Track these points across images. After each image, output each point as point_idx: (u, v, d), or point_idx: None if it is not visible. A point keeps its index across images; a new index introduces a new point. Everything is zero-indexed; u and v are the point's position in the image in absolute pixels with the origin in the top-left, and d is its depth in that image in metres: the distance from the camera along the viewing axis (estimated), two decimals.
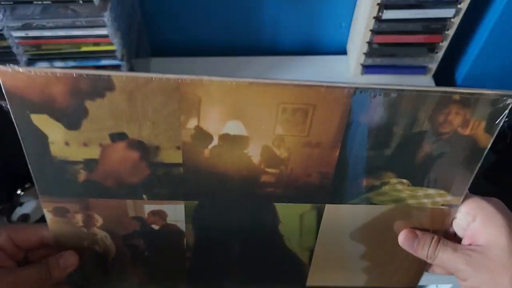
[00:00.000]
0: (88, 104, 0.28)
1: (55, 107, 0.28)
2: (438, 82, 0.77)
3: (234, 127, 0.29)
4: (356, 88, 0.28)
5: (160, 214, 0.35)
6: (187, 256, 0.38)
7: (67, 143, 0.30)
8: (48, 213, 0.35)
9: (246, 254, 0.39)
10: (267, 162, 0.32)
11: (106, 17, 0.55)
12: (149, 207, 0.34)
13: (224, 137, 0.30)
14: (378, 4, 0.64)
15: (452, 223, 0.36)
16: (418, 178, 0.33)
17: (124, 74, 0.27)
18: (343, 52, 0.82)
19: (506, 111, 0.30)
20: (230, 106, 0.28)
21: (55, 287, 0.38)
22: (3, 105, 0.61)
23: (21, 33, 0.57)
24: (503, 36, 0.67)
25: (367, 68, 0.75)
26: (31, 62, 0.61)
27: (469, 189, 0.62)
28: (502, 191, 1.15)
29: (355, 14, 0.75)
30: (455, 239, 0.36)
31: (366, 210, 0.35)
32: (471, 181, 0.33)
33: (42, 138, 0.30)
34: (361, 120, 0.30)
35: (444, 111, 0.30)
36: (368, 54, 0.72)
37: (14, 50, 0.59)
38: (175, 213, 0.35)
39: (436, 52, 0.72)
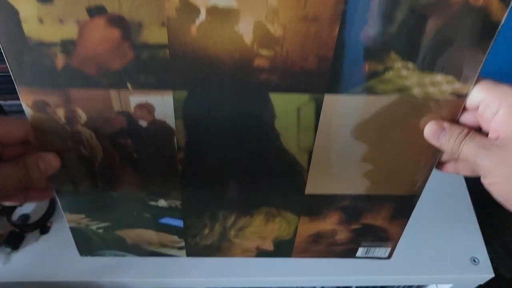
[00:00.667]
0: None
1: None
2: None
3: None
4: None
5: (148, 108, 0.32)
6: (179, 158, 0.36)
7: (41, 20, 0.27)
8: (28, 109, 0.32)
9: (241, 157, 0.36)
10: (260, 42, 0.28)
11: None
12: (135, 99, 0.31)
13: (212, 11, 0.27)
14: None
15: (478, 116, 0.33)
16: (424, 60, 0.30)
17: None
18: None
19: None
20: None
21: (39, 191, 0.37)
22: (4, 105, 0.61)
23: None
24: (503, 36, 0.67)
25: None
26: None
27: (468, 189, 0.62)
28: None
29: None
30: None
31: (368, 101, 0.32)
32: (482, 64, 0.30)
33: (13, 14, 0.27)
34: None
35: None
36: None
37: None
38: (163, 106, 0.32)
39: None
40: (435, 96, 0.32)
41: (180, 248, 0.45)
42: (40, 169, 0.34)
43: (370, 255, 0.47)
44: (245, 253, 0.46)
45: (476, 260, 0.57)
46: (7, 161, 0.34)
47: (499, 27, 0.29)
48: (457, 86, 0.31)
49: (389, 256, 0.47)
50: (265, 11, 0.27)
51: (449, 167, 0.37)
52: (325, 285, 0.61)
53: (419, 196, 0.40)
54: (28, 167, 0.34)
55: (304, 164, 0.37)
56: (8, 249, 0.55)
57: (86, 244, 0.45)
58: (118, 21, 0.27)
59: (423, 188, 0.39)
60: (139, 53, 0.29)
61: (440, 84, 0.31)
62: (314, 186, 0.38)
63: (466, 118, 0.33)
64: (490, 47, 0.30)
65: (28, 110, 0.32)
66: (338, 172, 0.38)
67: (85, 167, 0.36)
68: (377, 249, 0.46)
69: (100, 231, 0.43)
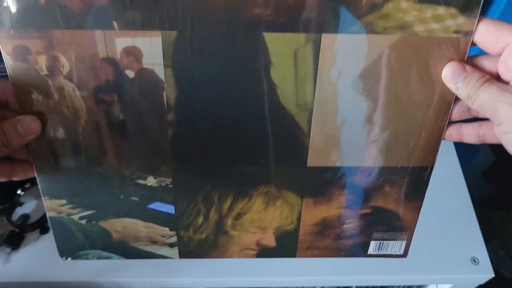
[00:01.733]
0: None
1: None
2: None
3: None
4: None
5: (135, 53, 0.30)
6: (169, 120, 0.33)
7: None
8: (7, 56, 0.30)
9: (235, 121, 0.33)
10: None
11: None
12: (121, 42, 0.29)
13: None
14: None
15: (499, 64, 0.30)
16: None
17: None
18: None
19: None
20: None
21: (22, 166, 0.35)
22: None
23: None
24: None
25: None
26: None
27: (468, 189, 0.62)
28: (503, 192, 1.15)
29: None
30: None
31: (369, 43, 0.30)
32: None
33: None
34: None
35: None
36: None
37: None
38: (152, 50, 0.30)
39: None
40: (439, 34, 0.30)
41: (172, 246, 0.41)
42: (19, 134, 0.32)
43: (383, 251, 0.42)
44: (244, 251, 0.42)
45: (476, 260, 0.57)
46: None
47: None
48: (461, 21, 0.29)
49: (405, 254, 0.42)
50: None
51: (453, 133, 0.35)
52: (325, 285, 0.61)
53: (432, 170, 0.36)
54: (5, 132, 0.31)
55: (304, 127, 0.34)
56: (8, 249, 0.55)
57: (67, 242, 0.40)
58: None
59: (435, 158, 0.36)
60: None
61: (443, 19, 0.29)
62: (316, 155, 0.35)
63: (486, 65, 0.31)
64: None
65: (7, 59, 0.30)
66: (341, 138, 0.34)
67: (68, 134, 0.33)
68: (391, 243, 0.42)
69: (83, 221, 0.38)
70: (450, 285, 0.60)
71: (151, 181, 0.36)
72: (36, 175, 0.36)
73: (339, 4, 0.28)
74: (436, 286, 0.64)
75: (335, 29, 0.29)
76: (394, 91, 0.32)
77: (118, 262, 0.55)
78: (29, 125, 0.32)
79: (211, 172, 0.36)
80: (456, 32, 0.30)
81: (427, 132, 0.34)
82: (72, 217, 0.38)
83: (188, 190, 0.38)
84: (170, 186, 0.37)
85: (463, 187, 0.64)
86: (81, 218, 0.38)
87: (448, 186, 0.64)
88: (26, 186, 0.59)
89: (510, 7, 0.63)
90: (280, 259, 0.53)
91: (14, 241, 0.54)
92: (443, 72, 0.31)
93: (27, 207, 0.59)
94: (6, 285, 0.52)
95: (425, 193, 0.38)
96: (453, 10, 0.29)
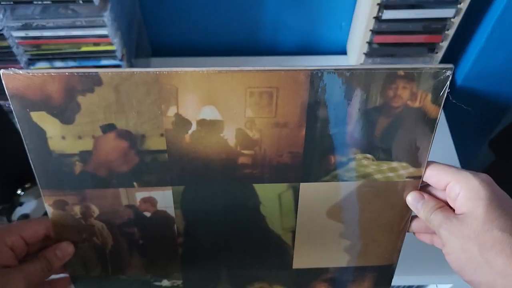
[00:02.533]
0: (80, 99, 0.32)
1: (52, 104, 0.32)
2: None
3: (209, 112, 0.33)
4: (312, 71, 0.32)
5: (151, 201, 0.38)
6: (179, 242, 0.41)
7: (63, 137, 0.33)
8: (49, 207, 0.37)
9: (233, 239, 0.42)
10: (242, 144, 0.35)
11: (106, 17, 0.55)
12: (140, 195, 0.37)
13: (201, 122, 0.33)
14: (378, 4, 0.64)
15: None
16: (380, 152, 0.37)
17: (109, 70, 0.31)
18: (343, 52, 0.82)
19: (448, 83, 0.33)
20: (204, 93, 0.32)
21: (58, 280, 0.41)
22: (4, 104, 0.61)
23: (21, 33, 0.57)
24: (503, 36, 0.67)
25: None
26: (31, 62, 0.61)
27: None
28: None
29: (355, 14, 0.75)
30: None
31: (337, 187, 0.38)
32: (429, 152, 0.37)
33: (41, 134, 0.33)
34: (320, 99, 0.33)
35: (392, 86, 0.33)
36: (368, 54, 0.73)
37: (14, 50, 0.59)
38: (164, 198, 0.38)
39: (436, 52, 0.72)
40: (394, 179, 0.38)
41: None
42: (58, 257, 0.39)
43: None
44: None
45: None
46: (29, 258, 0.38)
47: (437, 122, 0.35)
48: (411, 170, 0.37)
49: None
50: (244, 120, 0.34)
51: (425, 237, 0.42)
52: None
53: (396, 265, 0.45)
54: (48, 259, 0.38)
55: (289, 242, 0.42)
56: None
57: None
58: (125, 134, 0.34)
59: (398, 257, 0.44)
60: (143, 158, 0.35)
61: (397, 170, 0.37)
62: (300, 261, 0.43)
63: (440, 195, 0.39)
64: (433, 139, 0.36)
65: (49, 209, 0.37)
66: (321, 248, 0.43)
67: (97, 254, 0.41)
68: None
69: None
70: (450, 285, 0.60)
71: (165, 283, 0.44)
72: (72, 284, 0.44)
73: (312, 163, 0.36)
74: (436, 286, 0.64)
75: (310, 180, 0.38)
76: (361, 217, 0.40)
77: None
78: (65, 249, 0.39)
79: (214, 275, 0.44)
80: (408, 177, 0.38)
81: (390, 241, 0.42)
82: None
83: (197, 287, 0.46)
84: (181, 286, 0.45)
85: None
86: None
87: None
88: (26, 186, 0.59)
89: (510, 7, 0.63)
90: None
91: None
92: (407, 198, 0.39)
93: (27, 207, 0.59)
94: None
95: (391, 281, 0.47)
96: (404, 164, 0.37)
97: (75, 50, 0.60)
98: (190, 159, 0.35)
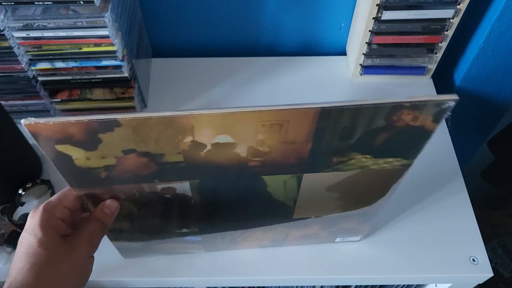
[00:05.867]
0: (101, 135, 0.34)
1: (75, 140, 0.34)
2: (436, 83, 0.78)
3: (224, 138, 0.36)
4: (322, 108, 0.33)
5: (171, 189, 0.42)
6: (196, 209, 0.47)
7: (88, 158, 0.36)
8: (80, 196, 0.41)
9: (243, 207, 0.48)
10: (252, 155, 0.38)
11: (107, 17, 0.56)
12: (160, 186, 0.41)
13: (216, 145, 0.36)
14: (377, 4, 0.65)
15: None
16: (379, 152, 0.40)
17: (127, 115, 0.33)
18: (343, 52, 0.83)
19: (450, 109, 0.35)
20: (219, 127, 0.35)
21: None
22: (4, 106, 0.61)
23: (22, 34, 0.57)
24: (502, 37, 0.67)
25: (366, 69, 0.75)
26: (32, 62, 0.62)
27: (467, 189, 0.63)
28: (502, 192, 1.15)
29: (354, 15, 0.76)
30: None
31: (337, 175, 0.43)
32: (421, 150, 0.40)
33: (67, 158, 0.36)
34: (328, 126, 0.36)
35: (397, 114, 0.35)
36: (367, 55, 0.73)
37: (15, 50, 0.59)
38: (182, 188, 0.42)
39: (435, 53, 0.72)
40: (388, 168, 0.42)
41: (198, 249, 0.57)
42: (107, 214, 0.42)
43: (347, 239, 0.58)
44: (248, 246, 0.58)
45: (475, 259, 0.57)
46: (80, 224, 0.42)
47: (431, 134, 0.37)
48: (404, 161, 0.41)
49: (360, 239, 0.58)
50: (255, 141, 0.37)
51: None
52: (325, 284, 0.62)
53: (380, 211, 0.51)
54: (99, 218, 0.42)
55: (291, 205, 0.48)
56: (9, 249, 0.55)
57: (128, 252, 0.56)
58: (145, 154, 0.37)
59: (385, 204, 0.49)
60: (162, 167, 0.39)
61: (392, 162, 0.41)
62: (300, 214, 0.50)
63: None
64: (425, 144, 0.39)
65: (79, 196, 0.41)
66: (318, 206, 0.49)
67: (125, 218, 0.46)
68: (352, 237, 0.58)
69: (139, 244, 0.54)
70: (449, 284, 0.60)
71: (185, 230, 0.52)
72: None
73: (315, 163, 0.40)
74: (436, 285, 0.65)
75: (313, 171, 0.42)
76: (356, 190, 0.46)
77: (120, 263, 0.56)
78: (111, 205, 0.42)
79: (225, 227, 0.52)
80: (400, 166, 0.42)
81: (374, 200, 0.49)
82: (133, 243, 0.54)
83: (211, 232, 0.53)
84: (198, 232, 0.52)
85: (462, 187, 0.64)
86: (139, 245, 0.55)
87: (447, 186, 0.64)
88: (27, 186, 0.59)
89: (509, 7, 0.63)
90: (281, 258, 0.54)
91: (15, 241, 0.55)
92: None
93: (29, 207, 0.59)
94: None
95: (377, 216, 0.52)
96: (399, 158, 0.41)
97: (76, 50, 0.60)
98: (205, 166, 0.39)
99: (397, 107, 0.34)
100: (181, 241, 0.54)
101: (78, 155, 0.36)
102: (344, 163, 0.41)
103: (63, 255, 0.39)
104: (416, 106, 0.34)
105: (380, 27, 0.67)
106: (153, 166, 0.38)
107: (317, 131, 0.36)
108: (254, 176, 0.42)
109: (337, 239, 0.58)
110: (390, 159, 0.41)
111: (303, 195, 0.46)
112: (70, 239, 0.40)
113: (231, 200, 0.46)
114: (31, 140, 0.63)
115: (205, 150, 0.37)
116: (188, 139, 0.35)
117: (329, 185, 0.45)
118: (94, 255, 0.43)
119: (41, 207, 0.40)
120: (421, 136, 0.38)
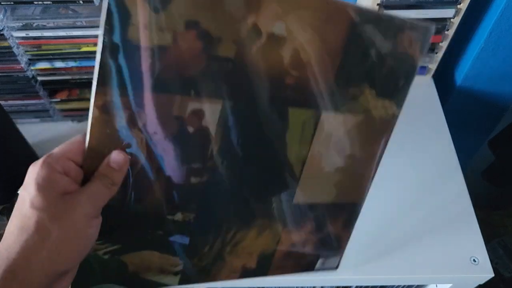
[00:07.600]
0: None
1: None
2: (437, 83, 0.77)
3: (279, 28, 0.37)
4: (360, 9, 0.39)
5: (199, 115, 0.37)
6: (207, 166, 0.41)
7: (145, 26, 0.32)
8: (95, 109, 0.35)
9: (253, 169, 0.43)
10: (292, 66, 0.39)
11: None
12: (191, 105, 0.37)
13: (270, 37, 0.37)
14: (378, 4, 0.64)
15: None
16: (379, 88, 0.44)
17: None
18: None
19: (430, 36, 0.43)
20: (280, 11, 0.36)
21: None
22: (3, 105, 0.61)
23: (22, 33, 0.57)
24: (502, 37, 0.67)
25: None
26: (31, 62, 0.61)
27: (468, 189, 0.63)
28: (502, 192, 1.15)
29: None
30: None
31: (345, 120, 0.45)
32: (407, 94, 0.45)
33: (125, 18, 0.32)
34: (358, 32, 0.40)
35: (401, 33, 0.42)
36: None
37: (15, 50, 0.59)
38: (211, 113, 0.38)
39: (436, 52, 0.72)
40: (382, 115, 0.45)
41: (175, 274, 0.46)
42: (115, 169, 0.36)
43: (325, 266, 0.54)
44: (230, 275, 0.49)
45: (476, 260, 0.57)
46: (90, 180, 0.36)
47: (417, 68, 0.44)
48: (394, 109, 0.46)
49: (337, 267, 0.54)
50: (302, 39, 0.38)
51: None
52: (325, 284, 0.62)
53: (362, 206, 0.51)
54: (105, 174, 0.36)
55: (297, 175, 0.46)
56: None
57: (84, 276, 0.43)
58: (204, 35, 0.34)
59: (365, 198, 0.50)
60: (209, 64, 0.36)
61: (387, 108, 0.45)
62: (300, 195, 0.47)
63: None
64: (412, 82, 0.44)
65: (95, 112, 0.35)
66: (318, 182, 0.47)
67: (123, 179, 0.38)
68: (331, 259, 0.53)
69: (106, 256, 0.42)
70: (450, 284, 0.60)
71: (178, 216, 0.42)
72: None
73: (336, 92, 0.43)
74: (436, 285, 0.64)
75: (330, 109, 0.44)
76: (354, 153, 0.47)
77: None
78: (118, 158, 0.36)
79: (226, 207, 0.44)
80: (391, 116, 0.46)
81: (367, 178, 0.49)
82: (98, 252, 0.41)
83: (205, 224, 0.44)
84: (192, 221, 0.43)
85: (462, 187, 0.64)
86: (105, 253, 0.42)
87: (447, 186, 0.64)
88: None
89: (509, 7, 0.63)
90: None
91: None
92: None
93: None
94: None
95: (355, 223, 0.52)
96: (393, 104, 0.45)
97: (75, 50, 0.60)
98: (248, 73, 0.38)
99: (403, 26, 0.42)
100: (163, 247, 0.44)
101: (139, 14, 0.32)
102: (356, 99, 0.43)
103: (58, 216, 0.33)
104: (414, 27, 0.42)
105: None
106: (202, 60, 0.35)
107: (349, 37, 0.40)
108: (282, 106, 0.41)
109: (317, 264, 0.53)
110: (386, 103, 0.45)
111: (313, 154, 0.45)
112: (70, 196, 0.34)
113: (248, 156, 0.42)
114: (31, 140, 0.62)
115: (258, 44, 0.36)
116: (251, 19, 0.35)
117: (336, 139, 0.46)
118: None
119: (40, 160, 0.34)
120: (411, 67, 0.44)
